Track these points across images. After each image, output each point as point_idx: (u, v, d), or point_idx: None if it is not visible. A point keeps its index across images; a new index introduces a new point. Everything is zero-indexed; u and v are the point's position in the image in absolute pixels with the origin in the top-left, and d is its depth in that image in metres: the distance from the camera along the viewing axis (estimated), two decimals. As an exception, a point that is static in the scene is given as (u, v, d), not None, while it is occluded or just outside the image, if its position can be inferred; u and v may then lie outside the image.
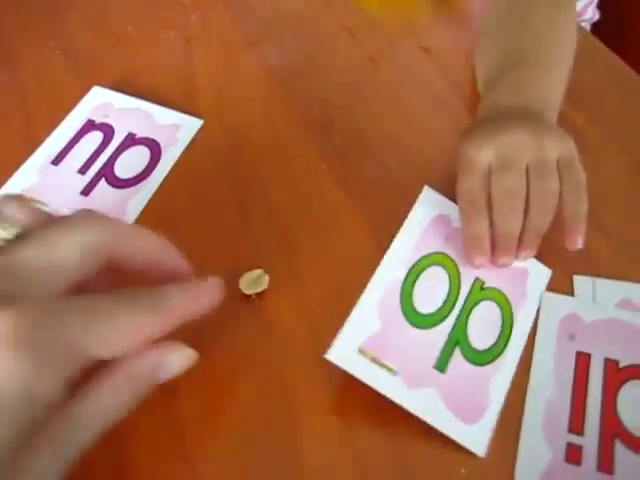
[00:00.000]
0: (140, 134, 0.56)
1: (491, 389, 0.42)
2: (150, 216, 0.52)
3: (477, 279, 0.45)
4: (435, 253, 0.46)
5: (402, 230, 0.46)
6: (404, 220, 0.47)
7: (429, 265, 0.45)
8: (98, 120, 0.58)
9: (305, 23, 0.69)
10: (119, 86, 0.61)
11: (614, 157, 0.55)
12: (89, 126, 0.57)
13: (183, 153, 0.55)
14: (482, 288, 0.45)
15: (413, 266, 0.45)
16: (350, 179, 0.54)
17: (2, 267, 0.29)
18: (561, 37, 0.54)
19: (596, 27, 0.88)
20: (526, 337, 0.44)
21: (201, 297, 0.35)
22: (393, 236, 0.47)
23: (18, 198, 0.34)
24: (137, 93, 0.61)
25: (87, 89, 0.61)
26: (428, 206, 0.48)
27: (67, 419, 0.29)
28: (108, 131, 0.57)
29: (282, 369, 0.44)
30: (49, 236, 0.31)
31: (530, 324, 0.45)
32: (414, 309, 0.43)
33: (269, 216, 0.52)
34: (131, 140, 0.56)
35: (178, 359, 0.33)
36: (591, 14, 0.85)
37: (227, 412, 0.42)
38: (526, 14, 0.55)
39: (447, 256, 0.46)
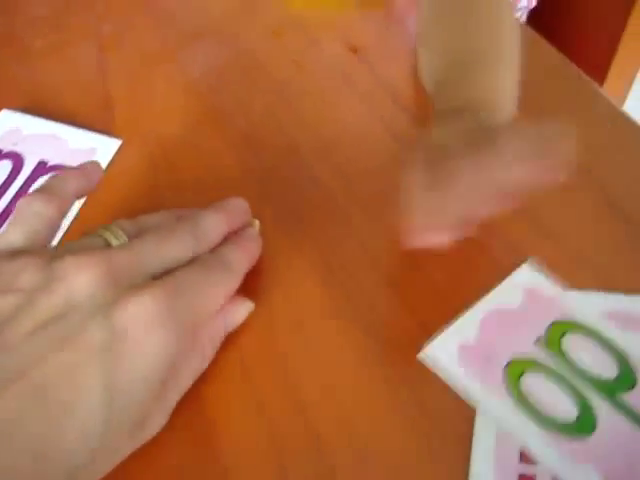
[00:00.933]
0: (52, 162, 0.52)
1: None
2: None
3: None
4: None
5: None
6: (340, 246, 0.45)
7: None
8: (5, 149, 0.53)
9: (227, 28, 0.64)
10: (29, 107, 0.56)
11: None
12: (-3, 155, 0.53)
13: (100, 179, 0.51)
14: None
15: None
16: (280, 197, 0.50)
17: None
18: (505, 30, 0.52)
19: (533, 14, 0.86)
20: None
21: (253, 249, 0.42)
22: (331, 262, 0.44)
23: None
24: (49, 114, 0.55)
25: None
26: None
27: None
28: (17, 160, 0.52)
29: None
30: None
31: None
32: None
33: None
34: (43, 169, 0.51)
35: (242, 311, 0.41)
36: (526, 2, 0.83)
37: None
38: (467, 10, 0.52)
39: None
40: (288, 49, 0.61)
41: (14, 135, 0.54)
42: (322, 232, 0.47)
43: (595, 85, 0.56)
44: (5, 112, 0.55)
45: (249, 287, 0.42)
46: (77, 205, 0.49)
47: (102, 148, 0.52)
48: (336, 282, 0.45)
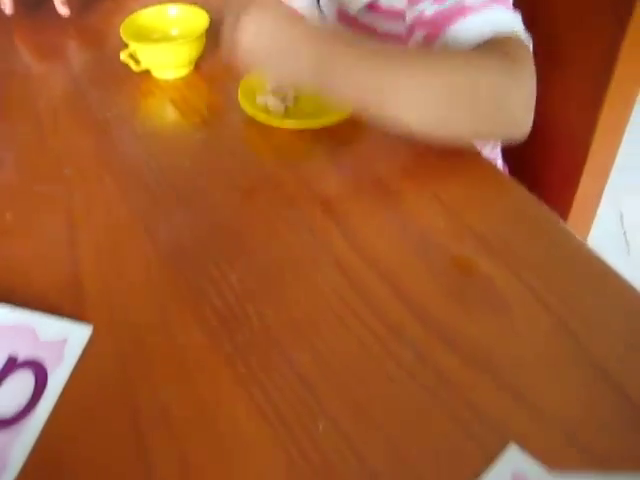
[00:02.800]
0: (22, 356, 0.50)
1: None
2: (39, 459, 0.45)
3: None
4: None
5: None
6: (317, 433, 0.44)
7: None
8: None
9: (193, 187, 0.65)
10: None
11: (536, 316, 0.51)
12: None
13: (72, 372, 0.49)
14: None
15: None
16: (256, 385, 0.48)
17: None
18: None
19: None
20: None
21: None
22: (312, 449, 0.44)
23: None
24: (17, 295, 0.55)
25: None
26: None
27: None
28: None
29: None
30: None
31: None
32: None
33: (169, 441, 0.46)
34: (12, 365, 0.50)
35: None
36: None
37: None
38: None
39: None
40: (262, 207, 0.62)
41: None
42: (302, 426, 0.46)
43: (569, 230, 0.57)
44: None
45: None
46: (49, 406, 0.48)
47: (73, 338, 0.51)
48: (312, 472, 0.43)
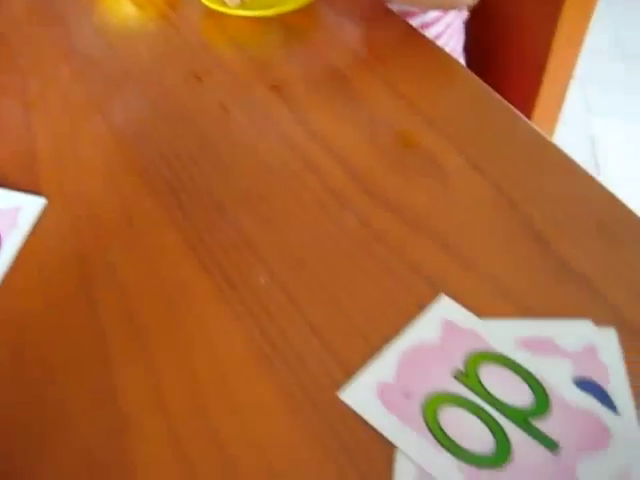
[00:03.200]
0: (-25, 223, 0.52)
1: None
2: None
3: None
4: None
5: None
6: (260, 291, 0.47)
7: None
8: None
9: (150, 75, 0.66)
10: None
11: (472, 183, 0.53)
12: None
13: (25, 239, 0.51)
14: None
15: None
16: (203, 247, 0.50)
17: None
18: None
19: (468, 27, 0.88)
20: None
21: None
22: (253, 302, 0.46)
23: None
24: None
25: None
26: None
27: None
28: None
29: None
30: None
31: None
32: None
33: (118, 300, 0.48)
34: (-34, 231, 0.52)
35: None
36: (452, 17, 0.84)
37: None
38: None
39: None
40: (213, 93, 0.63)
41: None
42: (245, 282, 0.48)
43: (516, 112, 0.58)
44: None
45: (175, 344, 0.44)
46: (2, 269, 0.50)
47: (27, 207, 0.53)
48: (255, 326, 0.46)
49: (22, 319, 0.48)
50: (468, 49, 0.89)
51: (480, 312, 0.45)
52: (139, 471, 0.40)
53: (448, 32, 0.83)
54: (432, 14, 0.78)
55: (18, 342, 0.47)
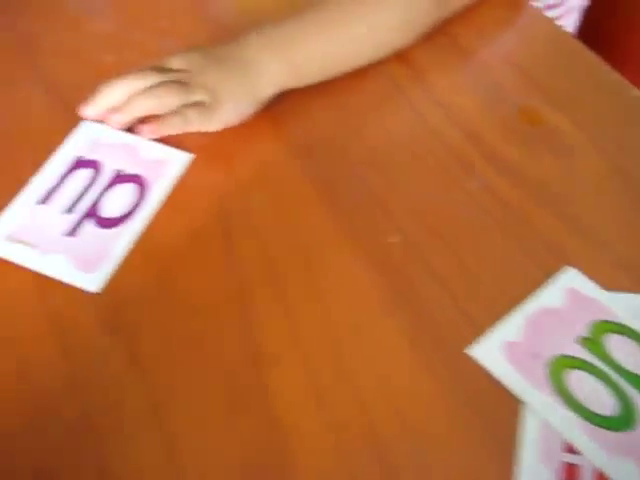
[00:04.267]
0: (127, 171, 0.56)
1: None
2: (138, 255, 0.52)
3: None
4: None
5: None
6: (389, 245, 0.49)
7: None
8: (86, 157, 0.57)
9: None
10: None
11: (594, 160, 0.55)
12: (77, 163, 0.57)
13: (171, 189, 0.55)
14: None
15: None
16: (337, 204, 0.54)
17: None
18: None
19: (586, 14, 0.88)
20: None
21: None
22: (385, 259, 0.49)
23: None
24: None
25: (72, 123, 0.61)
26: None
27: None
28: (96, 168, 0.56)
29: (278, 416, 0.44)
30: None
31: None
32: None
33: (256, 247, 0.52)
34: (118, 177, 0.56)
35: None
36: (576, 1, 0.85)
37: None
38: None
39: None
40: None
41: (94, 144, 0.59)
42: (371, 229, 0.51)
43: (637, 92, 0.59)
44: (85, 123, 0.60)
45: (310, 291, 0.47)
46: (151, 210, 0.54)
47: (173, 160, 0.57)
48: (387, 281, 0.48)
49: (167, 257, 0.52)
50: (584, 36, 0.89)
51: (602, 284, 0.47)
52: (277, 400, 0.43)
53: (566, 16, 0.83)
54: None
55: (164, 277, 0.51)
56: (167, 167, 0.57)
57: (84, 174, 0.56)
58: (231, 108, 0.57)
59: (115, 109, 0.57)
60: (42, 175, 0.56)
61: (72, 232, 0.53)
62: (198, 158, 0.58)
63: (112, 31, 0.72)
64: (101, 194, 0.55)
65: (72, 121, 0.61)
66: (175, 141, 0.58)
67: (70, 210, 0.54)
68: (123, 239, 0.52)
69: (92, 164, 0.57)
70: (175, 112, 0.55)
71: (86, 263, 0.51)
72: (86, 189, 0.55)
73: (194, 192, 0.56)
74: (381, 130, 0.59)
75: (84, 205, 0.54)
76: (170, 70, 0.58)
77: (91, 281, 0.50)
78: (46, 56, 0.69)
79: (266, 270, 0.50)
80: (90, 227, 0.53)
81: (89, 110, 0.58)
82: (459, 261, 0.49)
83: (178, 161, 0.57)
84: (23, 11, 0.74)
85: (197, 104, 0.56)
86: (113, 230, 0.53)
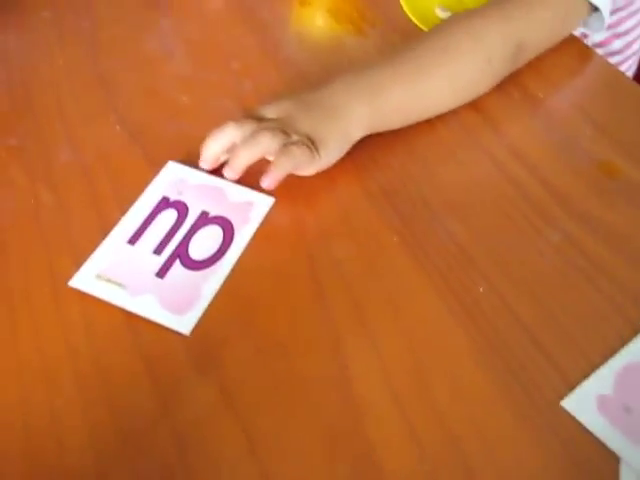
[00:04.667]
0: (213, 212, 0.58)
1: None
2: (225, 297, 0.53)
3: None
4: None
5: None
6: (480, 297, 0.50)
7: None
8: (172, 197, 0.59)
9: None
10: (186, 159, 0.62)
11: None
12: (164, 204, 0.59)
13: (256, 232, 0.57)
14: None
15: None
16: (421, 250, 0.55)
17: None
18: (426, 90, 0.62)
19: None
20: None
21: None
22: (473, 309, 0.50)
23: None
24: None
25: (151, 164, 0.62)
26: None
27: None
28: (182, 209, 0.58)
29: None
30: None
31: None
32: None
33: (343, 289, 0.53)
34: (204, 219, 0.57)
35: None
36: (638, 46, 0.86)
37: None
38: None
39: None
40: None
41: (180, 185, 0.60)
42: (456, 278, 0.53)
43: None
44: (171, 164, 0.62)
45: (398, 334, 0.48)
46: (237, 252, 0.55)
47: (258, 203, 0.59)
48: (476, 331, 0.49)
49: (254, 299, 0.53)
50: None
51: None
52: (374, 443, 0.44)
53: (627, 61, 0.85)
54: (618, 44, 0.80)
55: (251, 318, 0.52)
56: (252, 210, 0.58)
57: (171, 215, 0.58)
58: (326, 151, 0.58)
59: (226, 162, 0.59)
60: (130, 215, 0.58)
61: (161, 273, 0.55)
62: (280, 201, 0.59)
63: (187, 72, 0.74)
64: (188, 235, 0.57)
65: (151, 160, 0.63)
66: (257, 185, 0.60)
67: (158, 251, 0.56)
68: (211, 281, 0.54)
69: (179, 205, 0.59)
70: (281, 152, 0.56)
71: (176, 305, 0.53)
72: (173, 230, 0.57)
73: (278, 235, 0.57)
74: (458, 178, 0.61)
75: (172, 246, 0.56)
76: (264, 118, 0.59)
77: (182, 323, 0.51)
78: (124, 96, 0.71)
79: (355, 316, 0.51)
80: (178, 269, 0.55)
81: (203, 164, 0.60)
82: (547, 312, 0.50)
83: (262, 204, 0.59)
84: (103, 51, 0.76)
85: (297, 144, 0.57)
86: (201, 272, 0.54)
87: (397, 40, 0.76)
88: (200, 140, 0.63)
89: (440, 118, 0.65)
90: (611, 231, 0.55)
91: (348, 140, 0.60)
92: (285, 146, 0.56)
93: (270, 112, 0.60)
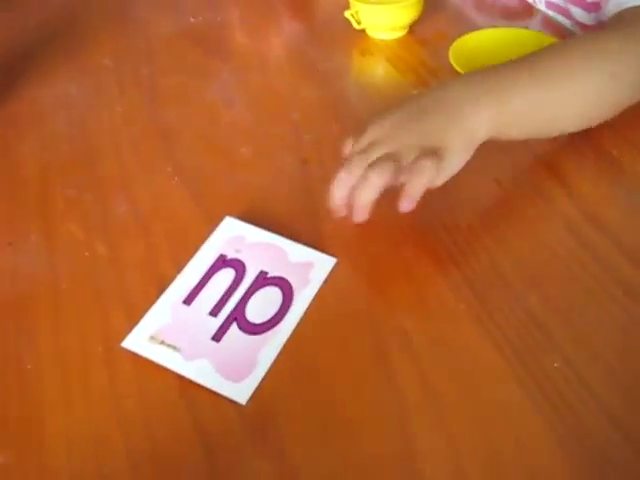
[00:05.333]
0: (272, 273, 0.55)
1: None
2: (284, 364, 0.50)
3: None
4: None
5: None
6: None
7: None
8: (230, 255, 0.57)
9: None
10: (244, 214, 0.61)
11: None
12: (221, 262, 0.57)
13: (317, 294, 0.54)
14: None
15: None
16: (492, 322, 0.51)
17: None
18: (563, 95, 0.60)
19: None
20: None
21: None
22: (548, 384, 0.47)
23: None
24: (262, 222, 0.60)
25: (209, 219, 0.61)
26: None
27: None
28: (240, 268, 0.56)
29: None
30: None
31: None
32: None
33: (410, 362, 0.50)
34: (263, 279, 0.55)
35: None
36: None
37: None
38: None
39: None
40: (487, 167, 0.63)
41: (238, 242, 0.58)
42: (531, 352, 0.49)
43: None
44: (229, 219, 0.60)
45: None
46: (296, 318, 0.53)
47: (318, 264, 0.56)
48: (551, 409, 0.46)
49: (315, 366, 0.50)
50: None
51: None
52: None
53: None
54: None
55: (312, 387, 0.49)
56: (312, 271, 0.56)
57: (228, 274, 0.56)
58: (451, 157, 0.55)
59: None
60: (186, 273, 0.56)
61: (217, 336, 0.52)
62: (342, 262, 0.56)
63: (247, 123, 0.73)
64: (246, 297, 0.54)
65: (209, 214, 0.62)
66: (320, 242, 0.57)
67: (215, 313, 0.54)
68: (269, 347, 0.51)
69: (236, 263, 0.57)
70: (409, 171, 0.53)
71: (233, 371, 0.50)
72: (230, 290, 0.55)
73: (340, 298, 0.54)
74: (533, 245, 0.57)
75: (229, 308, 0.54)
76: (374, 143, 0.56)
77: (238, 392, 0.49)
78: (183, 146, 0.71)
79: (425, 394, 0.48)
80: (235, 332, 0.52)
81: (337, 215, 0.57)
82: (627, 390, 0.46)
83: (323, 265, 0.56)
84: (162, 99, 0.76)
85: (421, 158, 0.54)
86: (259, 337, 0.52)
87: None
88: (259, 194, 0.61)
89: (506, 173, 0.62)
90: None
91: (473, 143, 0.56)
92: (414, 162, 0.53)
93: (377, 132, 0.57)
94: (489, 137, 0.57)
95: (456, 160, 0.55)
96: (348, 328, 0.52)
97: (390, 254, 0.57)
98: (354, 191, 0.54)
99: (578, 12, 0.83)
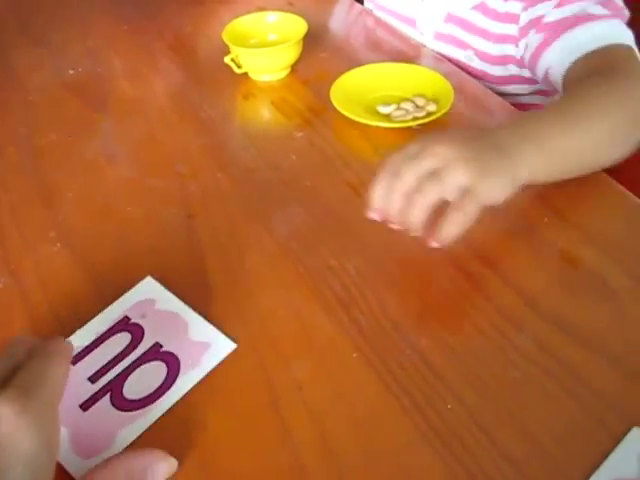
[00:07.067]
0: (166, 346, 0.53)
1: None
2: (144, 446, 0.46)
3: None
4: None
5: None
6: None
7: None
8: (133, 319, 0.55)
9: (308, 184, 0.68)
10: (132, 280, 0.58)
11: None
12: (122, 324, 0.54)
13: (202, 379, 0.51)
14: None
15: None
16: (385, 368, 0.50)
17: None
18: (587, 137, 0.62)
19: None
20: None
21: None
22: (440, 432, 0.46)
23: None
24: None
25: (97, 288, 0.59)
26: None
27: None
28: (137, 335, 0.54)
29: None
30: None
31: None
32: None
33: (307, 419, 0.48)
34: (154, 352, 0.52)
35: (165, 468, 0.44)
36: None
37: None
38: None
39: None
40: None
41: (146, 306, 0.56)
42: (431, 405, 0.49)
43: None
44: (149, 279, 0.58)
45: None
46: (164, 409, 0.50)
47: (217, 347, 0.53)
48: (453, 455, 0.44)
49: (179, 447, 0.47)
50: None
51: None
52: None
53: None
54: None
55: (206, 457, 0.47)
56: (206, 354, 0.52)
57: (123, 339, 0.54)
58: (491, 187, 0.55)
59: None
60: (85, 329, 0.54)
61: (85, 405, 0.50)
62: (242, 349, 0.53)
63: (132, 178, 0.71)
64: (130, 368, 0.52)
65: (95, 283, 0.59)
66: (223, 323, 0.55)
67: (93, 379, 0.51)
68: (132, 427, 0.48)
69: (135, 329, 0.54)
70: (452, 208, 0.53)
71: (85, 447, 0.48)
72: (119, 358, 0.52)
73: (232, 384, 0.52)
74: (421, 282, 0.58)
75: (108, 377, 0.51)
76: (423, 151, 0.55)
77: (80, 469, 0.46)
78: (65, 208, 0.68)
79: (321, 444, 0.47)
80: (105, 404, 0.50)
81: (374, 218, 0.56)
82: (519, 427, 0.46)
83: (221, 349, 0.53)
84: (42, 162, 0.73)
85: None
86: (126, 414, 0.49)
87: (339, 129, 0.74)
88: (149, 256, 0.60)
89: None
90: (582, 329, 0.52)
91: (517, 179, 0.56)
92: (458, 203, 0.53)
93: (431, 142, 0.56)
94: (531, 176, 0.58)
95: (499, 190, 0.55)
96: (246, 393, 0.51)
97: (281, 304, 0.56)
98: (408, 198, 0.53)
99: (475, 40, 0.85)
